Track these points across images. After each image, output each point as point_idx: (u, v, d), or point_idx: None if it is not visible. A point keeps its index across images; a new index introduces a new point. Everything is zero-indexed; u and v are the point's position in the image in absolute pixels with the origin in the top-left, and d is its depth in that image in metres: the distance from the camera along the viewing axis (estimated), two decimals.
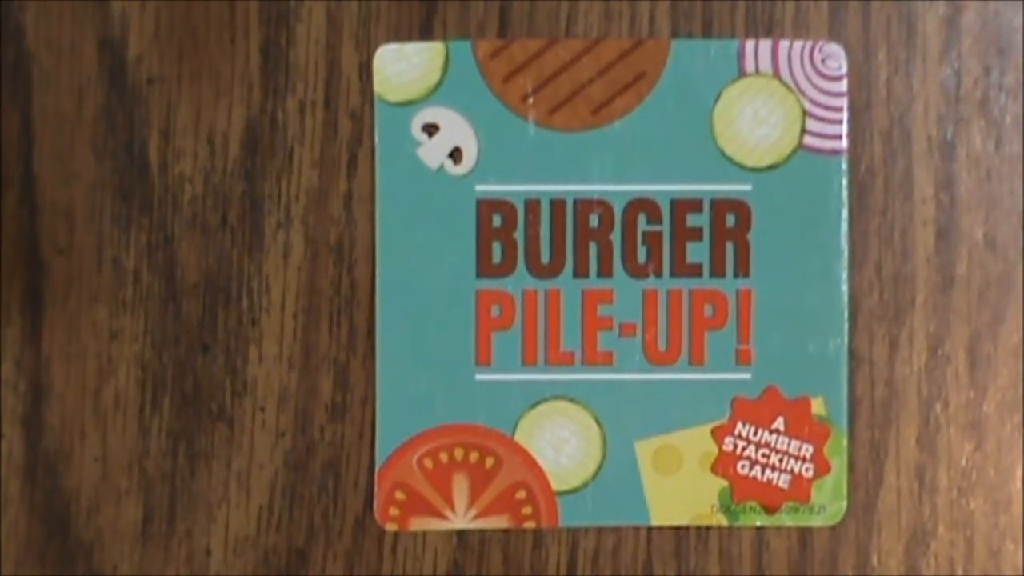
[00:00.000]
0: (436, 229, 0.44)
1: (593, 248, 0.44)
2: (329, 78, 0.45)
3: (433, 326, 0.44)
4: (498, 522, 0.45)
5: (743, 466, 0.44)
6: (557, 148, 0.44)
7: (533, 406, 0.44)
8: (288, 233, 0.45)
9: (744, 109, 0.44)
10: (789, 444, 0.44)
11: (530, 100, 0.44)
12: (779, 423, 0.44)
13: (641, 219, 0.44)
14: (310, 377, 0.45)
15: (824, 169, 0.44)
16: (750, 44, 0.44)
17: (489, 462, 0.44)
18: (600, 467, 0.44)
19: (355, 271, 0.45)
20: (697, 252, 0.44)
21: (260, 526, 0.45)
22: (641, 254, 0.44)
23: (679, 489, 0.44)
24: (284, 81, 0.45)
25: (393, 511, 0.45)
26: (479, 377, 0.44)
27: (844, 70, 0.44)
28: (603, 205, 0.44)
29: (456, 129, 0.44)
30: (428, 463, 0.44)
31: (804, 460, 0.44)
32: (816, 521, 0.45)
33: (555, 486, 0.45)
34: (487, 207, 0.44)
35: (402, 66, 0.45)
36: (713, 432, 0.44)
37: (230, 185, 0.45)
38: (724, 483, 0.44)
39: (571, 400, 0.44)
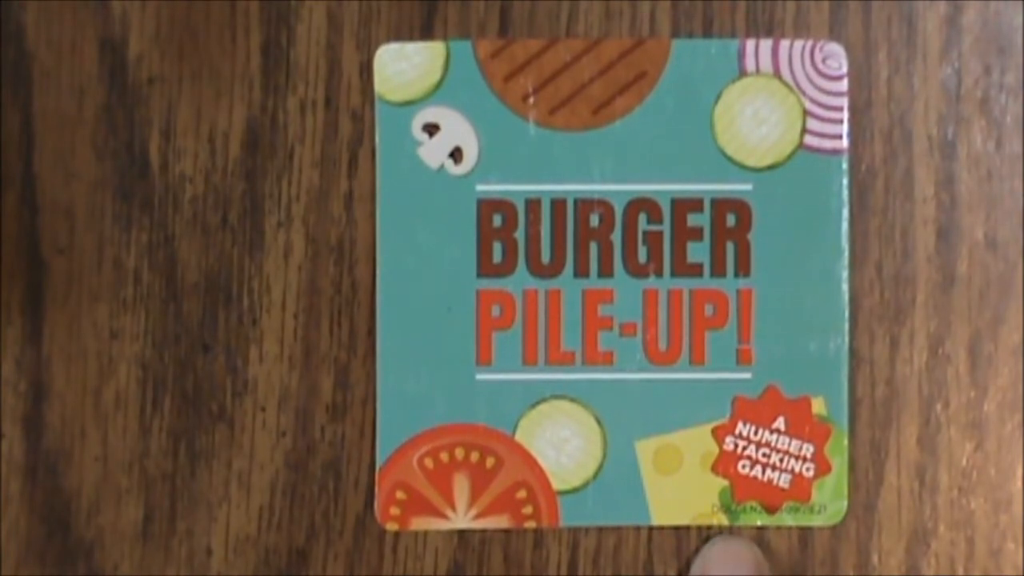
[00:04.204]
0: (437, 229, 0.44)
1: (594, 248, 0.44)
2: (330, 78, 0.45)
3: (434, 326, 0.44)
4: (499, 522, 0.45)
5: (744, 466, 0.44)
6: (558, 148, 0.44)
7: (534, 406, 0.44)
8: (289, 233, 0.45)
9: (744, 109, 0.44)
10: (790, 444, 0.44)
11: (531, 100, 0.44)
12: (780, 423, 0.44)
13: (642, 219, 0.44)
14: (311, 377, 0.45)
15: (825, 169, 0.44)
16: (750, 44, 0.44)
17: (490, 462, 0.44)
18: (601, 467, 0.44)
19: (355, 271, 0.45)
20: (698, 252, 0.44)
21: (261, 526, 0.45)
22: (642, 254, 0.44)
23: (680, 489, 0.44)
24: (285, 81, 0.45)
25: (394, 511, 0.45)
26: (479, 377, 0.44)
27: (844, 70, 0.44)
28: (604, 205, 0.44)
29: (457, 129, 0.44)
30: (429, 463, 0.44)
31: (805, 460, 0.44)
32: (817, 521, 0.45)
33: (556, 486, 0.45)
34: (488, 207, 0.44)
35: (403, 66, 0.45)
36: (714, 432, 0.44)
37: (231, 185, 0.45)
38: (725, 483, 0.44)
39: (572, 400, 0.44)
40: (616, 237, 0.44)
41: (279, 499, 0.45)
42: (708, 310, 0.44)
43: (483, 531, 0.45)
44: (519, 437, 0.44)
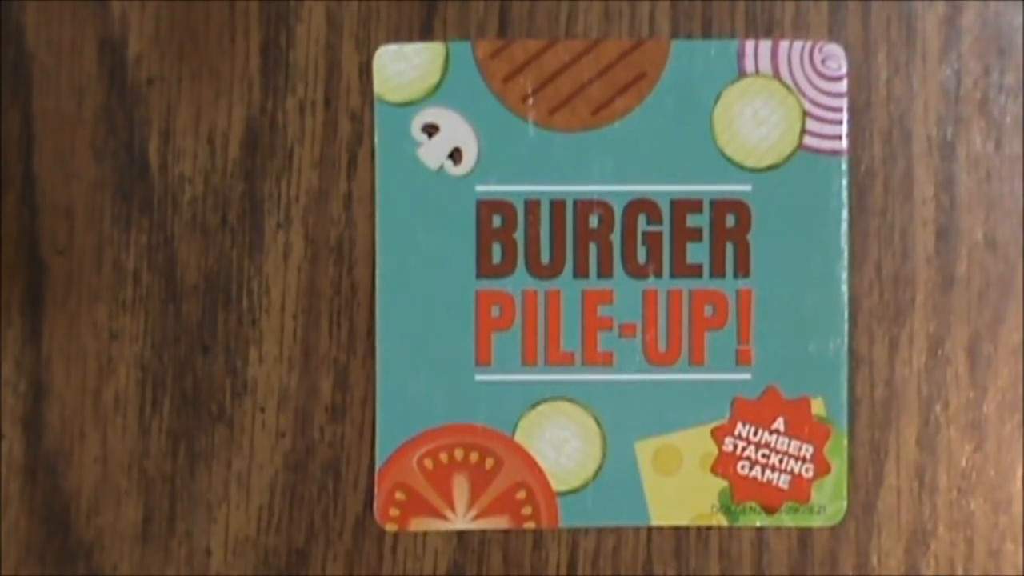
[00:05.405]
0: (436, 229, 0.44)
1: (593, 248, 0.44)
2: (329, 78, 0.45)
3: (433, 326, 0.44)
4: (498, 522, 0.45)
5: (743, 466, 0.44)
6: (557, 148, 0.44)
7: (533, 406, 0.44)
8: (288, 233, 0.45)
9: (744, 109, 0.44)
10: (789, 444, 0.44)
11: (530, 100, 0.44)
12: (779, 423, 0.44)
13: (641, 219, 0.44)
14: (310, 377, 0.45)
15: (824, 169, 0.44)
16: (750, 44, 0.44)
17: (489, 462, 0.44)
18: (600, 467, 0.44)
19: (355, 271, 0.45)
20: (697, 252, 0.44)
21: (260, 526, 0.45)
22: (641, 254, 0.44)
23: (679, 489, 0.44)
24: (284, 81, 0.45)
25: (393, 511, 0.45)
26: (479, 377, 0.44)
27: (844, 70, 0.44)
28: (603, 205, 0.44)
29: (456, 129, 0.44)
30: (428, 463, 0.44)
31: (804, 460, 0.44)
32: (816, 521, 0.45)
33: (555, 486, 0.45)
34: (487, 207, 0.44)
35: (402, 66, 0.45)
36: (713, 432, 0.44)
37: (230, 185, 0.45)
38: (724, 483, 0.44)
39: (571, 400, 0.44)
40: (615, 238, 0.44)
41: (278, 500, 0.45)
42: (707, 311, 0.44)
43: (482, 532, 0.45)
44: (518, 438, 0.44)
